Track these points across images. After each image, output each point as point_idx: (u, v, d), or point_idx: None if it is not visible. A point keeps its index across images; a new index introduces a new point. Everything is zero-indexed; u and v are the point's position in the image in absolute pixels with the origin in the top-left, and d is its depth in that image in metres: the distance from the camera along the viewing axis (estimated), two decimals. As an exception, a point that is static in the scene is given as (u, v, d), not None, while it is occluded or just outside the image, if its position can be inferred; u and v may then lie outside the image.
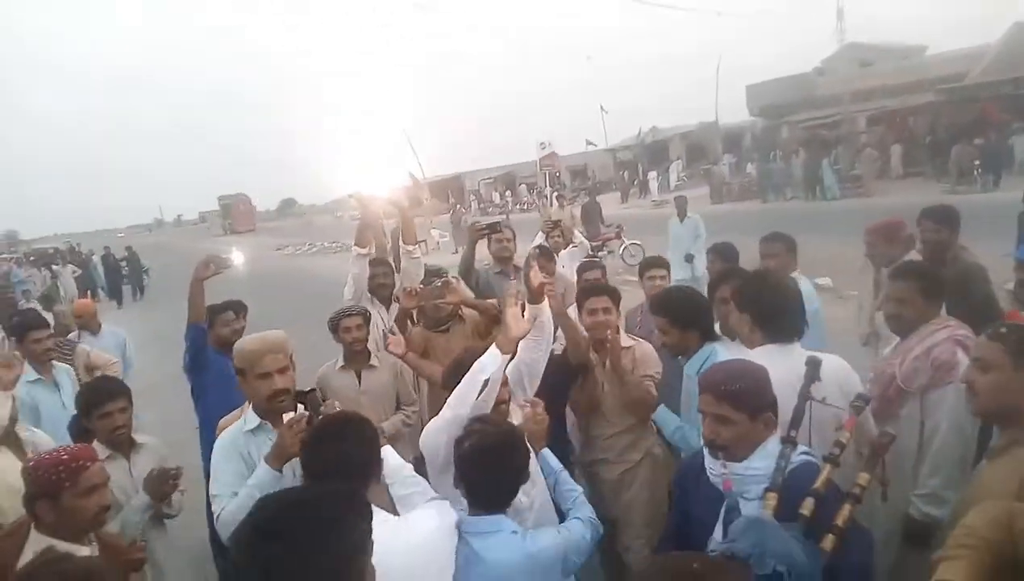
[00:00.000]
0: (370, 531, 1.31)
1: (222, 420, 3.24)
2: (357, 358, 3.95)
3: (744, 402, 1.92)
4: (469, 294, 4.39)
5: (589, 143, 41.47)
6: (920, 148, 25.11)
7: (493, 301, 4.39)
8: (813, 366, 2.16)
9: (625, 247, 15.62)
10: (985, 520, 1.31)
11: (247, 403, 2.66)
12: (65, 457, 2.24)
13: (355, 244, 4.59)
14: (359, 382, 3.93)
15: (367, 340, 4.01)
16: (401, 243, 4.81)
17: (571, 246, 6.33)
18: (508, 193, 44.72)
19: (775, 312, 2.50)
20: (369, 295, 4.59)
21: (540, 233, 6.49)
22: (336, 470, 1.89)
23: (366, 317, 4.05)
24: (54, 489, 2.18)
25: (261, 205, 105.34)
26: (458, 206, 20.58)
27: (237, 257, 6.56)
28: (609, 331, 3.31)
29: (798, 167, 25.33)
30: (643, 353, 3.39)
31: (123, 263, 23.84)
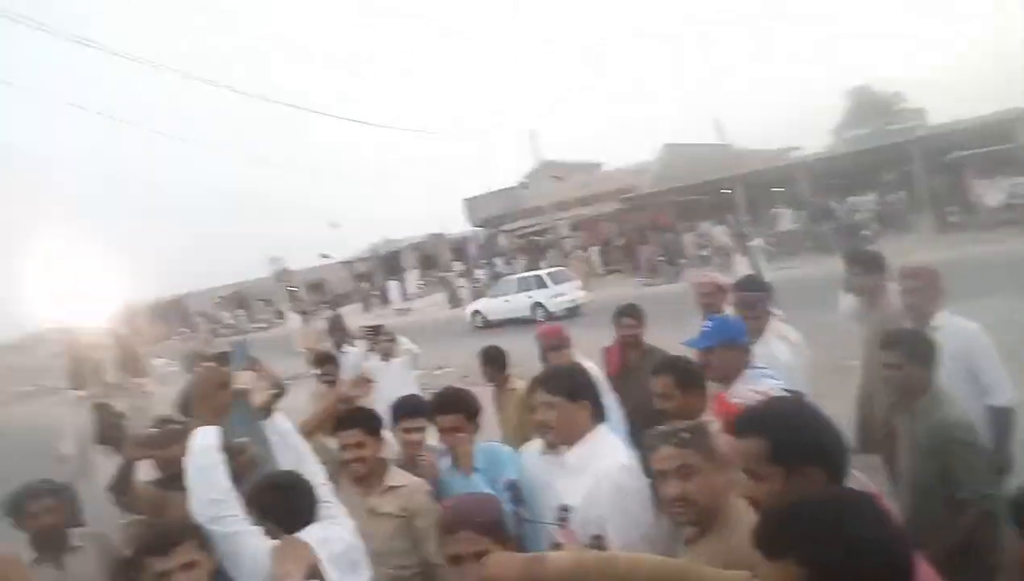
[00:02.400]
0: None
1: None
2: (52, 545, 3.04)
3: (494, 531, 1.94)
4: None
5: (324, 256, 41.68)
6: (614, 249, 29.81)
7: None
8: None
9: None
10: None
11: None
12: None
13: (71, 387, 4.08)
14: (64, 572, 3.03)
15: (62, 523, 3.11)
16: (129, 378, 4.30)
17: (400, 354, 6.27)
18: (240, 311, 42.60)
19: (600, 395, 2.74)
20: (101, 446, 3.95)
21: (358, 342, 6.44)
22: None
23: (56, 493, 3.13)
24: None
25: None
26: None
27: None
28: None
29: (522, 270, 28.54)
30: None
31: None
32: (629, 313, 4.55)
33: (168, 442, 3.13)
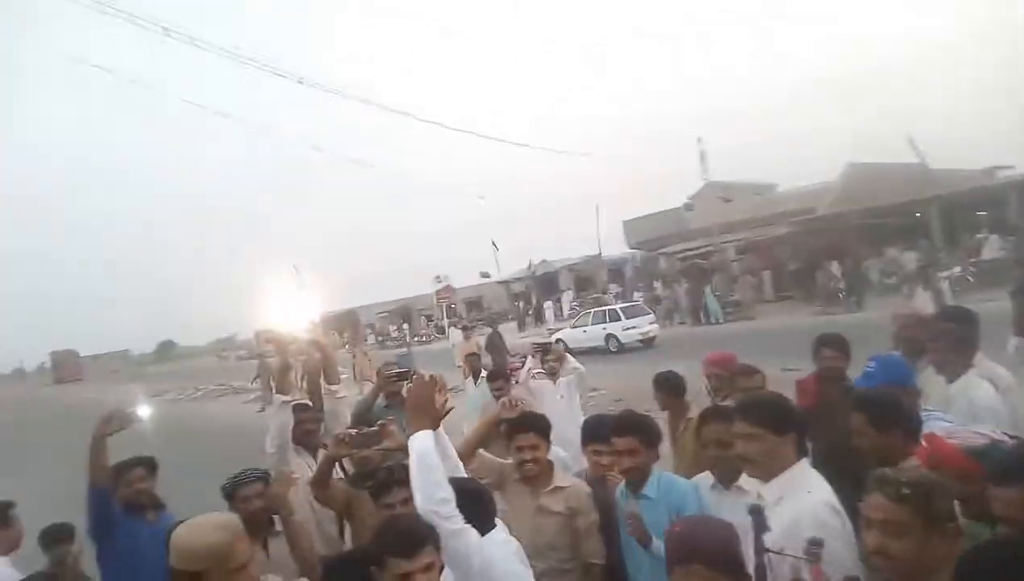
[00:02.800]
0: None
1: None
2: (261, 528, 3.40)
3: (728, 566, 1.85)
4: (403, 439, 4.01)
5: (483, 275, 42.57)
6: (786, 274, 27.53)
7: None
8: (758, 515, 2.00)
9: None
10: None
11: None
12: None
13: (277, 391, 4.29)
14: (267, 554, 3.40)
15: (267, 508, 3.51)
16: (324, 384, 4.49)
17: (566, 370, 6.18)
18: (405, 325, 44.53)
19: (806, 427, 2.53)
20: (294, 445, 4.19)
21: (529, 358, 6.35)
22: None
23: (266, 480, 3.58)
24: None
25: (136, 349, 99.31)
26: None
27: (144, 411, 5.87)
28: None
29: (682, 295, 27.12)
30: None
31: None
32: (831, 343, 4.06)
33: (366, 443, 3.58)
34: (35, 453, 15.94)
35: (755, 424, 2.36)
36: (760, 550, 1.95)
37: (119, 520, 3.77)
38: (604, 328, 21.99)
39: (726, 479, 2.86)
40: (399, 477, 2.83)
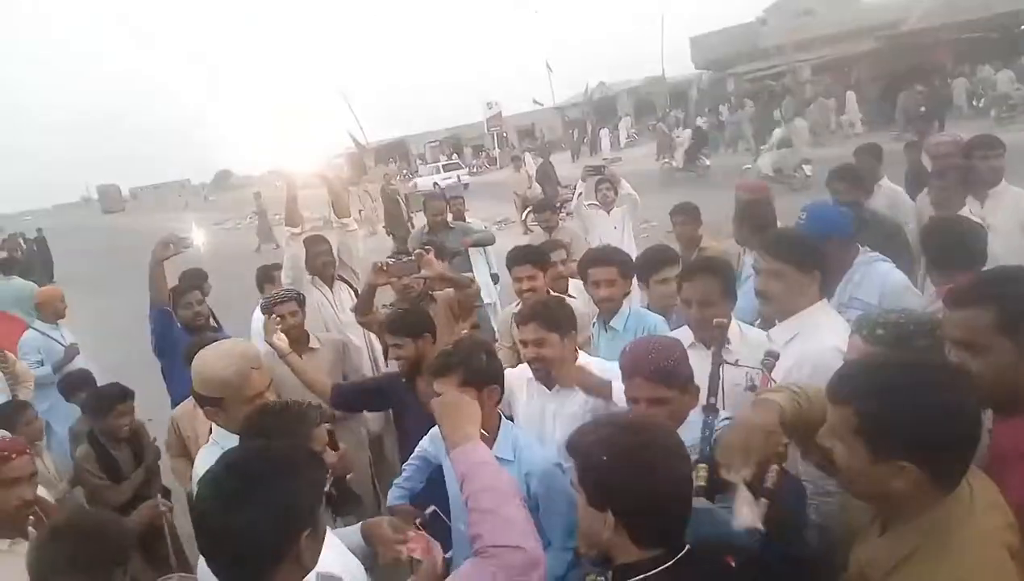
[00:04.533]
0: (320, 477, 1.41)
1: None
2: (295, 343, 3.65)
3: (676, 379, 1.92)
4: (441, 269, 3.92)
5: (536, 102, 40.95)
6: (865, 97, 25.42)
7: (470, 275, 4.07)
8: (721, 330, 2.08)
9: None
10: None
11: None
12: None
13: (286, 224, 4.36)
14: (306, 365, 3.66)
15: (303, 324, 3.86)
16: (333, 216, 4.62)
17: (620, 198, 5.89)
18: (454, 156, 43.91)
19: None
20: (310, 276, 4.36)
21: (580, 182, 6.06)
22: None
23: (300, 300, 3.86)
24: None
25: (196, 179, 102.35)
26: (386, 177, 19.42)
27: (198, 236, 6.04)
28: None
29: (746, 120, 25.39)
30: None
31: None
32: (843, 177, 4.16)
33: (404, 272, 3.77)
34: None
35: (779, 259, 2.30)
36: (717, 362, 1.94)
37: (181, 338, 3.96)
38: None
39: (706, 341, 2.53)
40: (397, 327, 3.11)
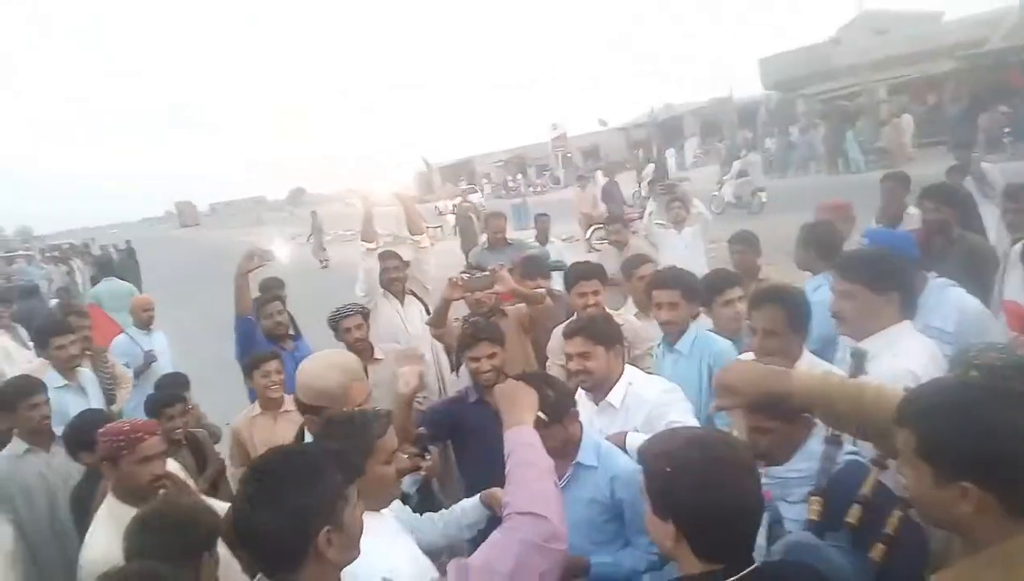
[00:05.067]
0: (339, 480, 1.47)
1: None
2: (361, 355, 3.75)
3: (778, 409, 1.78)
4: (514, 284, 4.08)
5: (601, 123, 40.94)
6: (943, 117, 24.45)
7: (542, 289, 4.17)
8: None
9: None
10: None
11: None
12: (127, 428, 2.52)
13: (361, 239, 4.56)
14: (367, 377, 3.78)
15: (367, 337, 4.08)
16: (408, 233, 4.82)
17: (692, 218, 5.99)
18: (520, 175, 44.29)
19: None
20: (382, 290, 4.56)
21: (651, 201, 6.15)
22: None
23: (365, 314, 4.11)
24: (114, 454, 2.45)
25: (271, 196, 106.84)
26: (462, 195, 19.97)
27: (280, 250, 6.45)
28: None
29: (819, 141, 24.82)
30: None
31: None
32: (932, 195, 3.99)
33: (478, 286, 3.91)
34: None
35: (851, 280, 2.30)
36: None
37: (263, 347, 4.15)
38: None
39: None
40: (485, 334, 3.15)
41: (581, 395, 2.75)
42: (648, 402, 2.63)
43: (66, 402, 4.17)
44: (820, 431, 1.86)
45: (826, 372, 1.71)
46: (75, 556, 2.45)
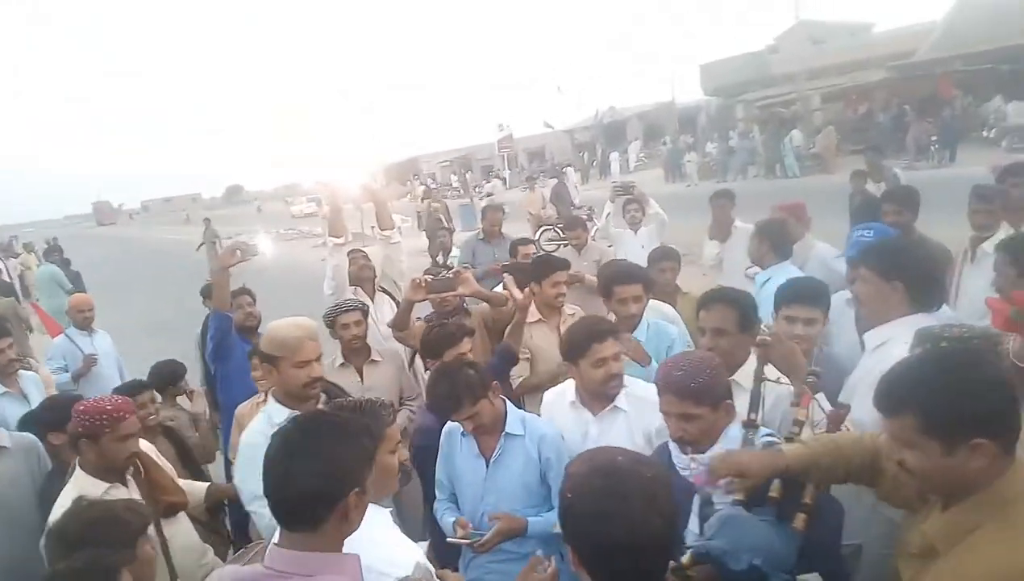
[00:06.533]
0: (369, 447, 1.57)
1: (239, 408, 3.69)
2: (357, 354, 3.82)
3: (706, 396, 1.94)
4: (477, 286, 4.02)
5: (547, 125, 41.19)
6: (873, 125, 25.56)
7: (504, 292, 4.13)
8: (766, 346, 2.13)
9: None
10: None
11: (265, 393, 2.80)
12: (108, 407, 2.51)
13: (329, 234, 4.40)
14: (362, 379, 3.76)
15: (366, 335, 3.88)
16: (377, 229, 4.63)
17: (648, 218, 6.03)
18: (466, 175, 44.15)
19: (928, 280, 2.37)
20: (352, 287, 4.41)
21: (608, 202, 6.14)
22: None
23: (364, 312, 3.90)
24: (96, 432, 2.47)
25: (207, 193, 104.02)
26: (428, 195, 19.75)
27: (264, 244, 6.09)
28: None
29: (758, 146, 25.61)
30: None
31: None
32: (892, 199, 4.15)
33: (441, 288, 3.74)
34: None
35: (864, 265, 2.44)
36: (759, 379, 2.04)
37: (236, 344, 4.05)
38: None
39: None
40: (453, 336, 3.12)
41: (572, 402, 2.71)
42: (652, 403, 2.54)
43: (5, 410, 3.88)
44: (740, 417, 2.01)
45: (809, 437, 1.83)
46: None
